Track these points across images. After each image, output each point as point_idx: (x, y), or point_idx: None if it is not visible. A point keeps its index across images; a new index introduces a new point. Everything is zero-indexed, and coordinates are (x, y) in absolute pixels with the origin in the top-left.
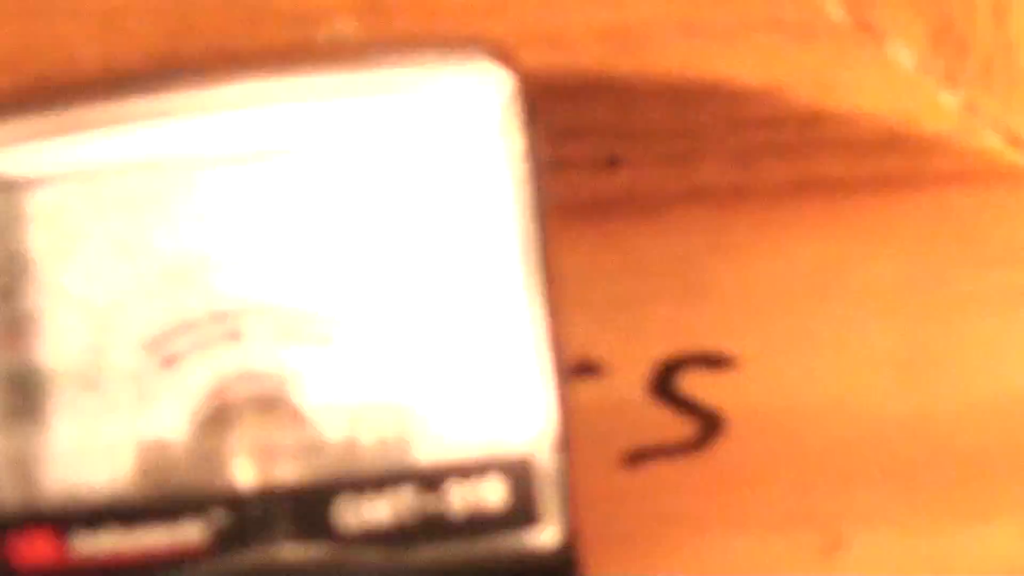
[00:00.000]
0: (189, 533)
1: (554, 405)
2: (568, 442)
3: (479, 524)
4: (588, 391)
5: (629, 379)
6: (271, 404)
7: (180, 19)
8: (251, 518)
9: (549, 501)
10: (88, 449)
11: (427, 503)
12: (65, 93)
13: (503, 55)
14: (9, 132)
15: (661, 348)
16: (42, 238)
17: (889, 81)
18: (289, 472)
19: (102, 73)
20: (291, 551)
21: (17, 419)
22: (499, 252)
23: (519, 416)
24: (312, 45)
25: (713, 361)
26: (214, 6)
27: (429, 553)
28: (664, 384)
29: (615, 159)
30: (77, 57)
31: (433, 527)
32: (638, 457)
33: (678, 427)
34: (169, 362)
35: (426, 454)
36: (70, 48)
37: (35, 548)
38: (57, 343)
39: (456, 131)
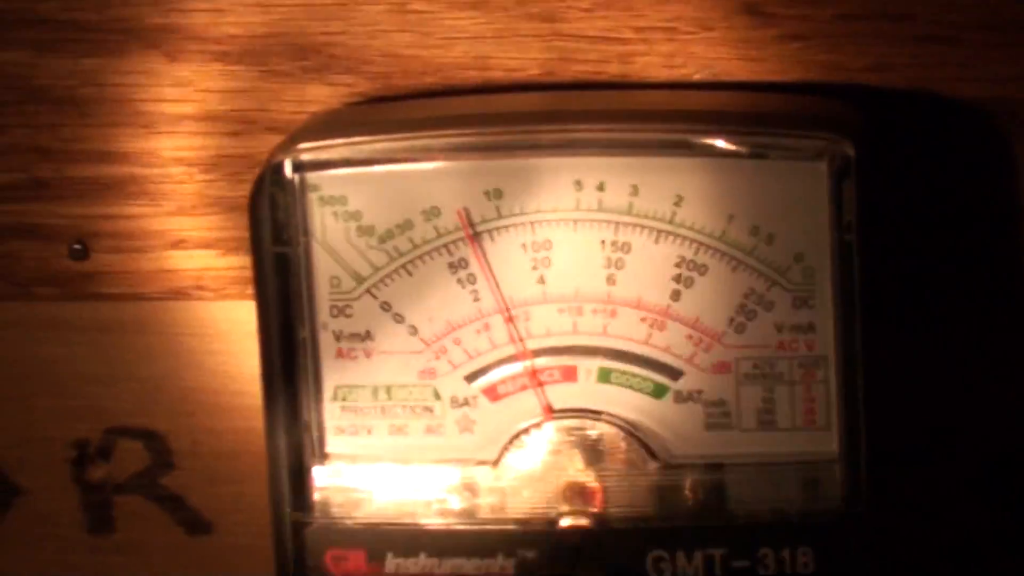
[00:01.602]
0: (499, 565)
1: (869, 478)
2: (884, 509)
3: None
4: None
5: None
6: (594, 446)
7: (556, 50)
8: (563, 557)
9: (856, 572)
10: (409, 475)
11: (737, 563)
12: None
13: (852, 122)
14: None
15: None
16: (377, 260)
17: None
18: (608, 515)
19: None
20: None
21: (342, 434)
22: (826, 325)
23: (834, 483)
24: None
25: None
26: (588, 41)
27: None
28: None
29: None
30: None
31: None
32: None
33: None
34: (493, 394)
35: (741, 514)
36: (450, 68)
37: (351, 567)
38: (388, 364)
39: (797, 193)
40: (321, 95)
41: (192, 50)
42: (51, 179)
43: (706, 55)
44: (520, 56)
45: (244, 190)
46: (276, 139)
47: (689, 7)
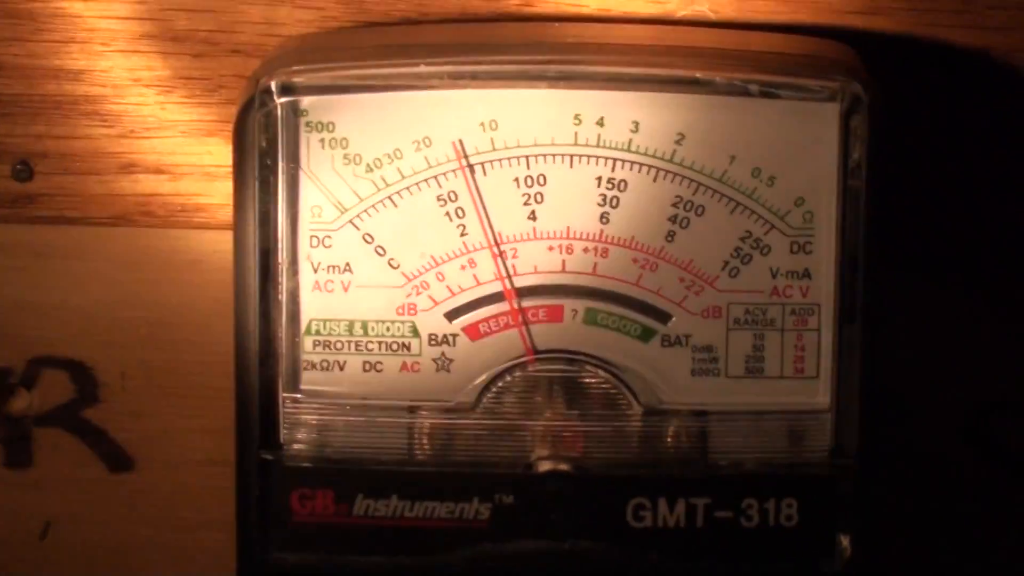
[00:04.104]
0: (473, 510)
1: (857, 432)
2: (869, 469)
3: (768, 539)
4: None
5: None
6: (577, 389)
7: None
8: (541, 503)
9: (841, 525)
10: (383, 409)
11: (720, 513)
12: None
13: (858, 65)
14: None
15: None
16: (362, 190)
17: None
18: (589, 461)
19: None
20: (577, 543)
21: (315, 370)
22: (823, 273)
23: (821, 434)
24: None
25: None
26: None
27: (715, 562)
28: None
29: None
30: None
31: (723, 537)
32: None
33: None
34: (474, 333)
35: (725, 463)
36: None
37: (317, 508)
38: (366, 298)
39: (803, 134)
40: (290, 19)
41: None
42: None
43: None
44: None
45: (201, 114)
46: (241, 62)
47: None
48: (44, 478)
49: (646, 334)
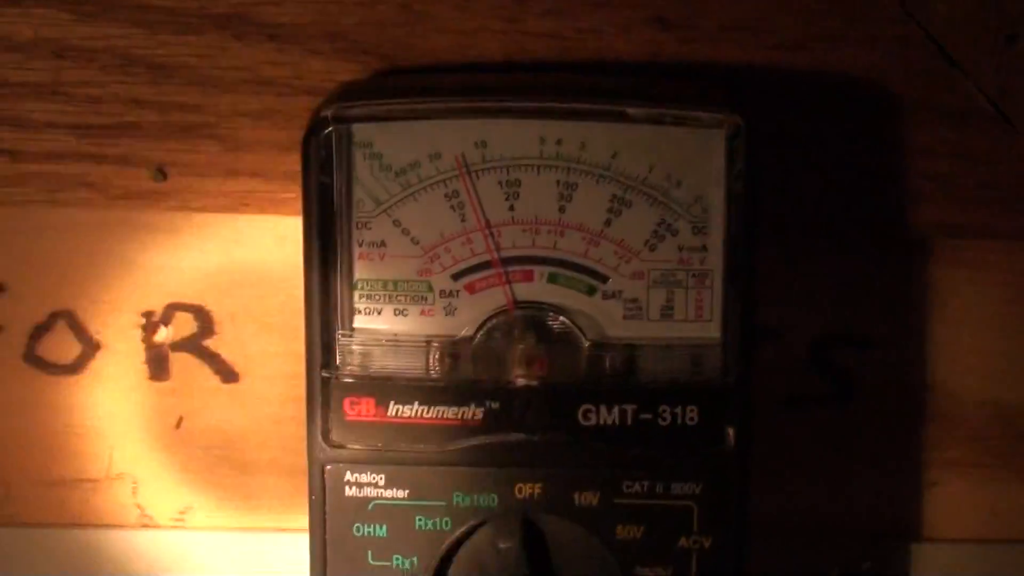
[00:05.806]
0: (471, 412)
1: (739, 358)
2: (746, 384)
3: (678, 433)
4: None
5: None
6: (543, 328)
7: (516, 42)
8: (516, 407)
9: (728, 422)
10: (408, 341)
11: (644, 415)
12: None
13: (738, 102)
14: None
15: None
16: (392, 189)
17: None
18: (551, 378)
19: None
20: (543, 435)
21: (360, 314)
22: (715, 248)
23: (714, 360)
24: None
25: None
26: (538, 37)
27: (641, 450)
28: None
29: None
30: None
31: (646, 432)
32: None
33: None
34: (471, 289)
35: (647, 380)
36: (439, 52)
37: (362, 411)
38: (396, 265)
39: (701, 151)
40: (343, 69)
41: (252, 33)
42: (143, 122)
43: (625, 51)
44: (490, 45)
45: (283, 135)
46: (311, 100)
47: (614, 13)
48: (177, 387)
49: (591, 290)
